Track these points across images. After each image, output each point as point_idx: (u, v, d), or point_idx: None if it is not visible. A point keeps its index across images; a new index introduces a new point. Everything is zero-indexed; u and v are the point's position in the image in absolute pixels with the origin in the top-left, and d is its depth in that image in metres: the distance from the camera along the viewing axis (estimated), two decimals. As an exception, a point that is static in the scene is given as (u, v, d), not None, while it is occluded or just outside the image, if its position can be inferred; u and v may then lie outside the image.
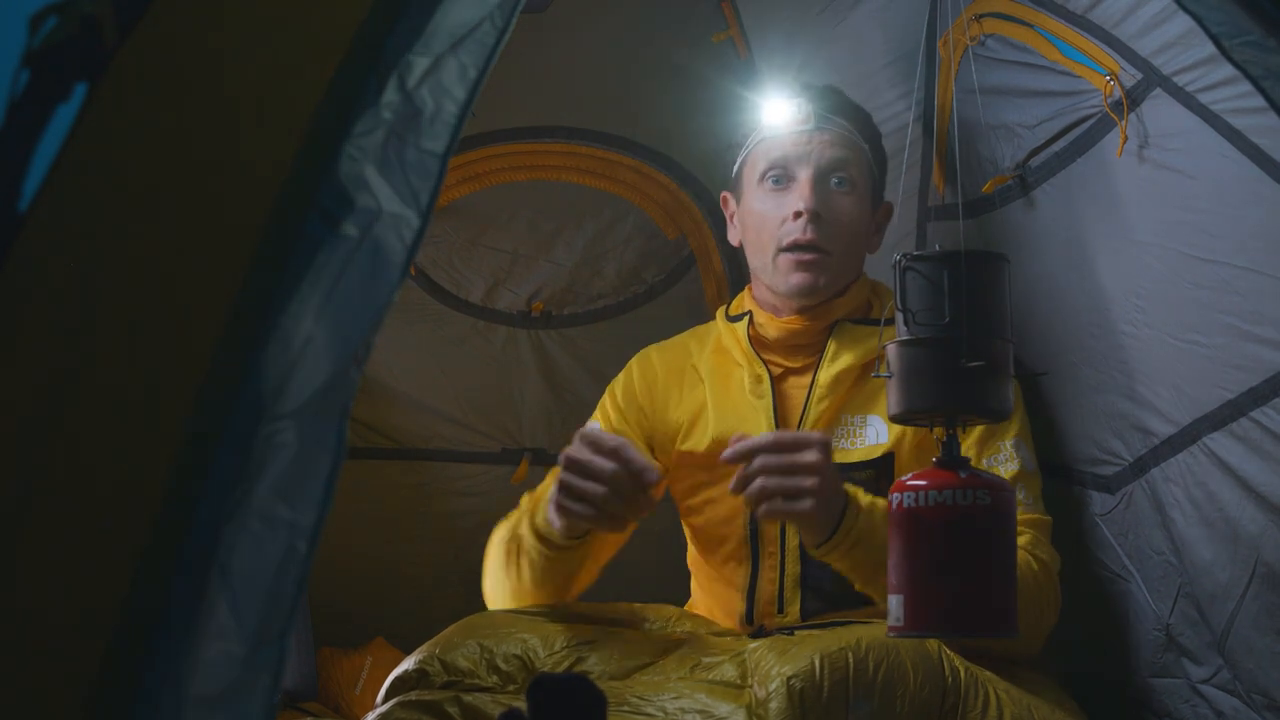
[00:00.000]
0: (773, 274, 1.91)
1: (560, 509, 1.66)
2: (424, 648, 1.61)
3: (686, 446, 1.93)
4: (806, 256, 1.87)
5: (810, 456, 1.56)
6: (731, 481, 1.59)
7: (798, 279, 1.88)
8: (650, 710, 1.46)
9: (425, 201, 1.03)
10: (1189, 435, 1.71)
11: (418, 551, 2.51)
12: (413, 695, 1.50)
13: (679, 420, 1.95)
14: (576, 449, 1.63)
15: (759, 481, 1.56)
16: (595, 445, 1.62)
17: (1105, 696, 1.88)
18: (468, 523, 2.36)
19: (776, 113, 1.94)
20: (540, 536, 1.73)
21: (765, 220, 1.91)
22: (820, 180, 1.89)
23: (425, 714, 1.44)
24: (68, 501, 0.98)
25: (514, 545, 1.78)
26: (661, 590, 2.00)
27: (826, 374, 1.87)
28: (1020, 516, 1.72)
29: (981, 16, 2.03)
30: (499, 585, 1.82)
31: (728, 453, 1.59)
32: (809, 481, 1.56)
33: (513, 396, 2.54)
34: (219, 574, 0.90)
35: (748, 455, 1.57)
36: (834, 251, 1.89)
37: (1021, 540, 1.71)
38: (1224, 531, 1.66)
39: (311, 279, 0.97)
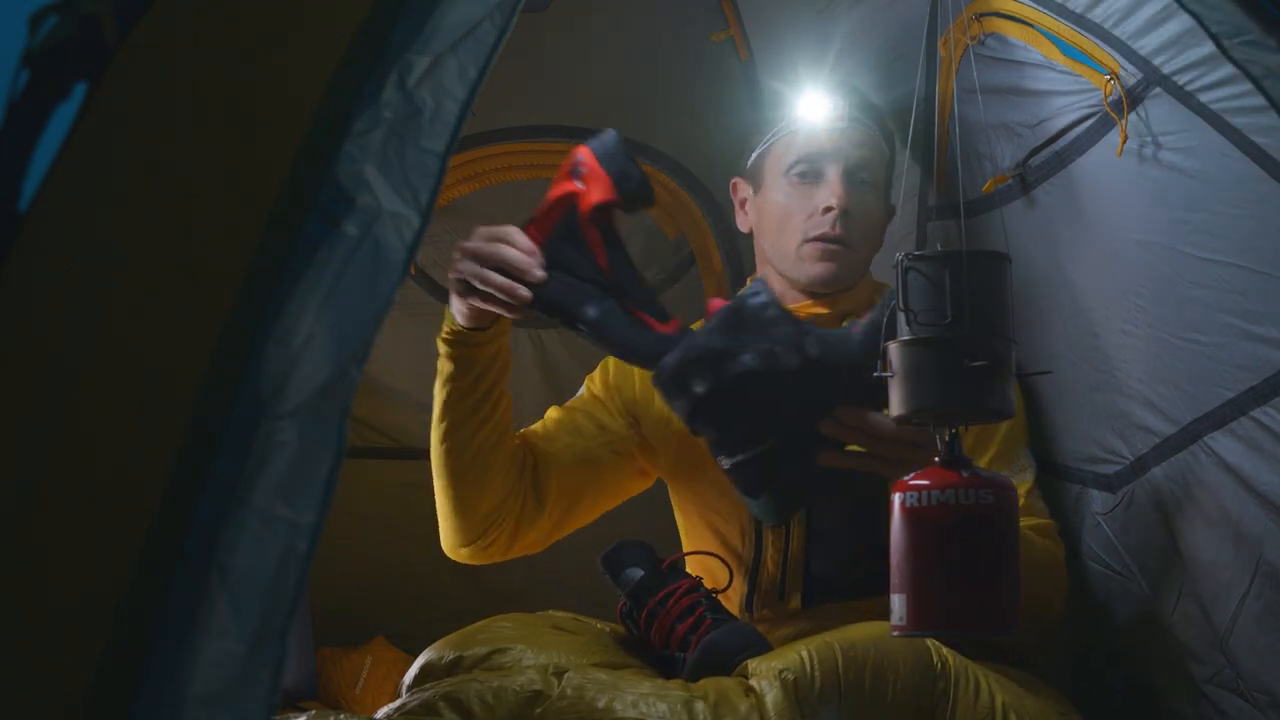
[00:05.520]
0: (794, 262, 1.93)
1: (458, 294, 1.66)
2: (448, 640, 1.65)
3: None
4: (832, 248, 1.91)
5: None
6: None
7: (820, 269, 1.91)
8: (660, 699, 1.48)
9: (425, 201, 1.03)
10: (1190, 434, 1.71)
11: (418, 551, 2.50)
12: (444, 685, 1.50)
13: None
14: (472, 240, 1.64)
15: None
16: (490, 234, 1.63)
17: (1106, 695, 1.88)
18: (467, 522, 2.35)
19: (812, 107, 1.96)
20: (445, 342, 1.75)
21: (790, 213, 1.93)
22: (850, 177, 1.93)
23: (447, 706, 1.45)
24: (68, 501, 0.98)
25: (435, 382, 1.80)
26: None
27: None
28: (1036, 522, 1.81)
29: (982, 15, 2.03)
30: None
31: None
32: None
33: (512, 395, 2.53)
34: (219, 573, 0.90)
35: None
36: (856, 247, 1.93)
37: (1043, 541, 1.81)
38: (1225, 531, 1.66)
39: (311, 278, 0.97)
